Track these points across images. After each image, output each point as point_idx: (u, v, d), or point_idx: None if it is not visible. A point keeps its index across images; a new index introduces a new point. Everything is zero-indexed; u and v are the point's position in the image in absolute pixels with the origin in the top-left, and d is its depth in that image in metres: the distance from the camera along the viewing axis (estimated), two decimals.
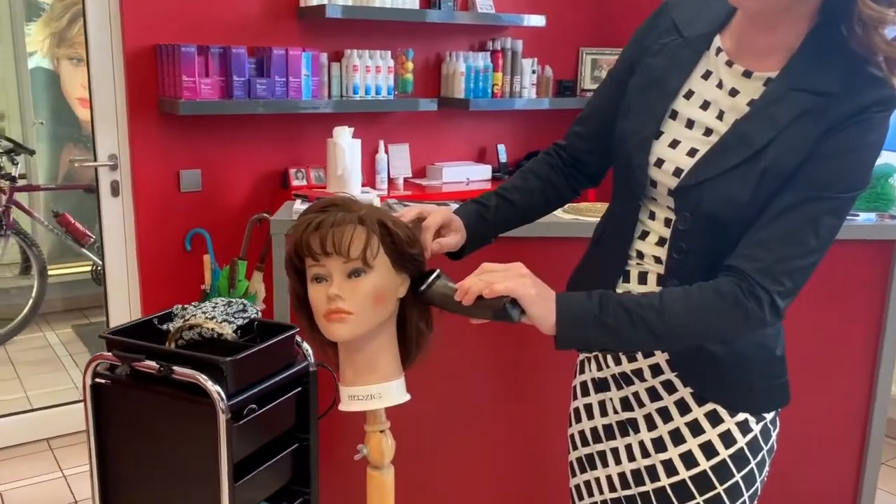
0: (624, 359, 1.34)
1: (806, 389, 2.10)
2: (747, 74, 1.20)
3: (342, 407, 1.22)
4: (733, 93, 1.21)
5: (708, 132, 1.22)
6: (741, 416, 1.28)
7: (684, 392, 1.29)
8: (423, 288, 1.17)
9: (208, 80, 2.99)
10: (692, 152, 1.21)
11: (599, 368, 1.40)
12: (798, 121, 1.13)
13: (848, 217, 1.17)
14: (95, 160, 3.08)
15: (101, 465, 1.74)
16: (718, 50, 1.23)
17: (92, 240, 4.30)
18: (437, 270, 1.18)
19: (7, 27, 4.48)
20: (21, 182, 4.22)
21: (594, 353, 1.41)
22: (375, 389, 1.19)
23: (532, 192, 1.42)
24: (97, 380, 1.72)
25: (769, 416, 1.31)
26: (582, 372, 1.47)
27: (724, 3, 1.19)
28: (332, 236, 1.12)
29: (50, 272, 4.28)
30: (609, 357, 1.37)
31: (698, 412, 1.28)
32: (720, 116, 1.21)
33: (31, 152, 4.30)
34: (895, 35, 1.09)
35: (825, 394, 2.39)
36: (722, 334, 1.20)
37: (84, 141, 4.47)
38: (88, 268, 4.44)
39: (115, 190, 3.10)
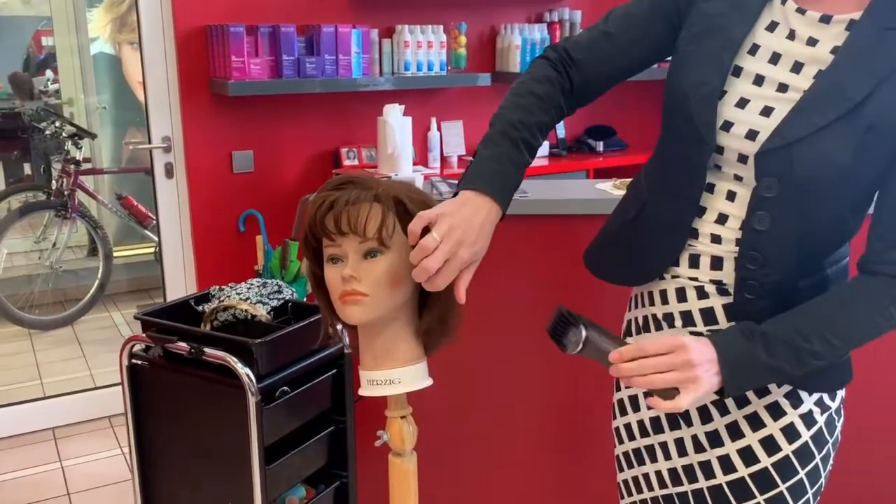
0: None
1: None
2: (825, 20, 1.07)
3: (362, 392, 1.17)
4: (812, 42, 1.08)
5: (783, 88, 1.09)
6: (805, 408, 1.18)
7: None
8: (575, 351, 1.07)
9: (258, 60, 2.97)
10: (766, 111, 1.09)
11: None
12: None
13: None
14: (150, 142, 3.11)
15: (140, 445, 1.75)
16: None
17: (154, 221, 4.38)
18: (583, 328, 1.06)
19: (70, 14, 4.58)
20: (85, 166, 4.32)
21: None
22: (395, 374, 1.14)
23: (547, 132, 1.27)
24: (134, 361, 1.73)
25: (834, 405, 1.21)
26: None
27: None
28: (346, 215, 1.06)
29: (115, 253, 4.38)
30: None
31: (758, 404, 1.19)
32: (796, 69, 1.09)
33: (93, 136, 4.40)
34: None
35: None
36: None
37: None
38: (152, 249, 4.53)
39: (169, 172, 3.13)
